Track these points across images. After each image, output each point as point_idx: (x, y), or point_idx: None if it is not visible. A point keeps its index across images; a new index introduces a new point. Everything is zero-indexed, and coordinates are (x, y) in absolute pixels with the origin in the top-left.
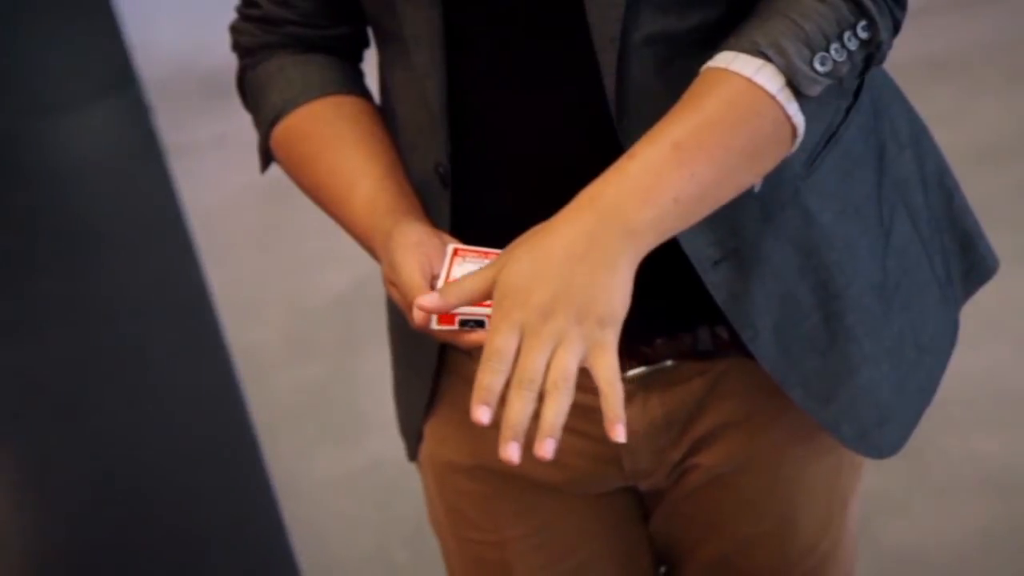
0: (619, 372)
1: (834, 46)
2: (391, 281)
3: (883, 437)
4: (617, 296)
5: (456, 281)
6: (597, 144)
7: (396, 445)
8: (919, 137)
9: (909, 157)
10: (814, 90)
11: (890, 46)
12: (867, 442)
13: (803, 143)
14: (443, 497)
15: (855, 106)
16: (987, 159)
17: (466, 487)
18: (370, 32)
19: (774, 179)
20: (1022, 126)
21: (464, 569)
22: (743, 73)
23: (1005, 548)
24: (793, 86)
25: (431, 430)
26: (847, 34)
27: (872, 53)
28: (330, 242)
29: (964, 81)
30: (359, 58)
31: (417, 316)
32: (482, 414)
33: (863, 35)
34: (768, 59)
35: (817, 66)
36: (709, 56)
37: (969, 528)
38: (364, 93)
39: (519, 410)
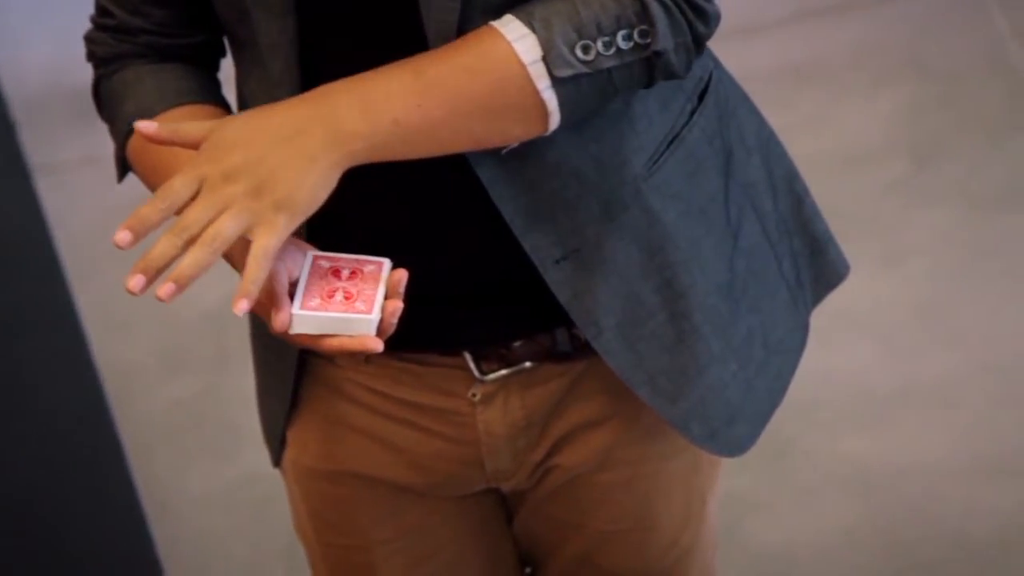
0: (271, 257)
1: (603, 39)
2: None
3: (732, 436)
4: (304, 188)
5: (179, 123)
6: None
7: (268, 458)
8: (767, 143)
9: (757, 162)
10: (562, 72)
11: (685, 60)
12: (716, 441)
13: (644, 143)
14: (307, 503)
15: (699, 109)
16: (854, 163)
17: (329, 492)
18: (227, 42)
19: (615, 179)
20: (887, 131)
21: (330, 574)
22: (506, 36)
23: (869, 546)
24: (548, 63)
25: (293, 436)
26: (622, 33)
27: (650, 60)
28: None
29: (830, 87)
30: (216, 67)
31: (276, 322)
32: (122, 237)
33: (639, 40)
34: (534, 30)
35: (579, 52)
36: None
37: (834, 527)
38: (221, 102)
39: (160, 250)
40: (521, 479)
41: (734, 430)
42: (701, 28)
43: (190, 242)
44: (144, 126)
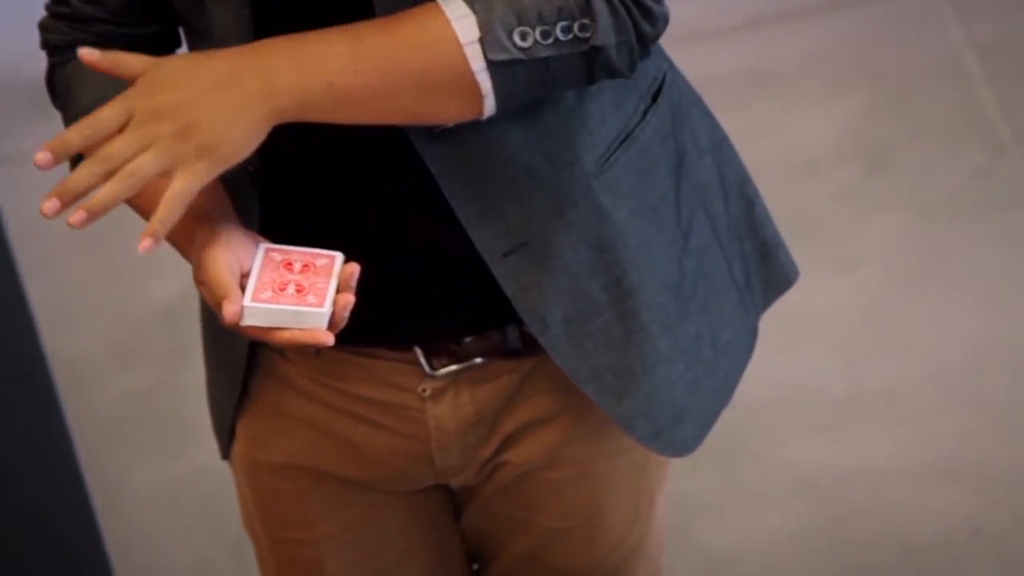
0: (185, 201)
1: (542, 28)
2: (200, 280)
3: (678, 436)
4: (229, 137)
5: (121, 53)
6: (396, 144)
7: (218, 453)
8: (720, 145)
9: (709, 163)
10: (497, 55)
11: (628, 59)
12: (661, 440)
13: (596, 141)
14: (255, 496)
15: (652, 109)
16: (807, 169)
17: (278, 486)
18: (182, 32)
19: (566, 175)
20: (840, 137)
21: (277, 568)
22: (447, 14)
23: (817, 549)
24: (484, 44)
25: (243, 429)
26: (562, 24)
27: (589, 54)
28: (157, 252)
29: (785, 93)
30: None
31: (227, 313)
32: (42, 157)
33: (579, 33)
34: (474, 11)
35: (516, 38)
36: None
37: (783, 530)
38: None
39: (77, 178)
40: (470, 475)
41: (680, 430)
42: (647, 28)
43: (109, 174)
44: (86, 53)
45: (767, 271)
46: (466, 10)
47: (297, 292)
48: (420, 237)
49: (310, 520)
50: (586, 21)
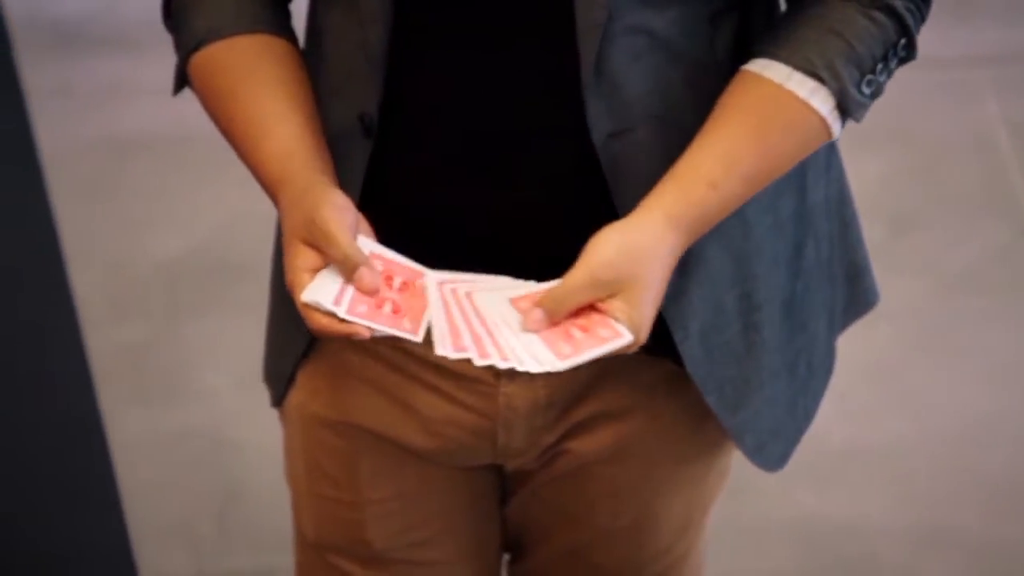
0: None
1: (879, 66)
2: (309, 243)
3: (775, 451)
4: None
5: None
6: (544, 123)
7: (207, 416)
8: (830, 163)
9: (823, 184)
10: (861, 114)
11: (915, 49)
12: (763, 454)
13: None
14: (305, 450)
15: None
16: None
17: (332, 443)
18: None
19: None
20: (866, 194)
21: (316, 524)
22: (798, 94)
23: None
24: (842, 108)
25: (303, 379)
26: (890, 53)
27: (904, 61)
28: (165, 207)
29: None
30: None
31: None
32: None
33: (903, 54)
34: (822, 81)
35: (864, 88)
36: (682, 51)
37: (772, 570)
38: (292, 37)
39: None
40: (529, 459)
41: (777, 446)
42: (927, 15)
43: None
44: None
45: (851, 294)
46: (814, 83)
47: (393, 313)
48: (561, 221)
49: (359, 482)
50: (904, 40)
